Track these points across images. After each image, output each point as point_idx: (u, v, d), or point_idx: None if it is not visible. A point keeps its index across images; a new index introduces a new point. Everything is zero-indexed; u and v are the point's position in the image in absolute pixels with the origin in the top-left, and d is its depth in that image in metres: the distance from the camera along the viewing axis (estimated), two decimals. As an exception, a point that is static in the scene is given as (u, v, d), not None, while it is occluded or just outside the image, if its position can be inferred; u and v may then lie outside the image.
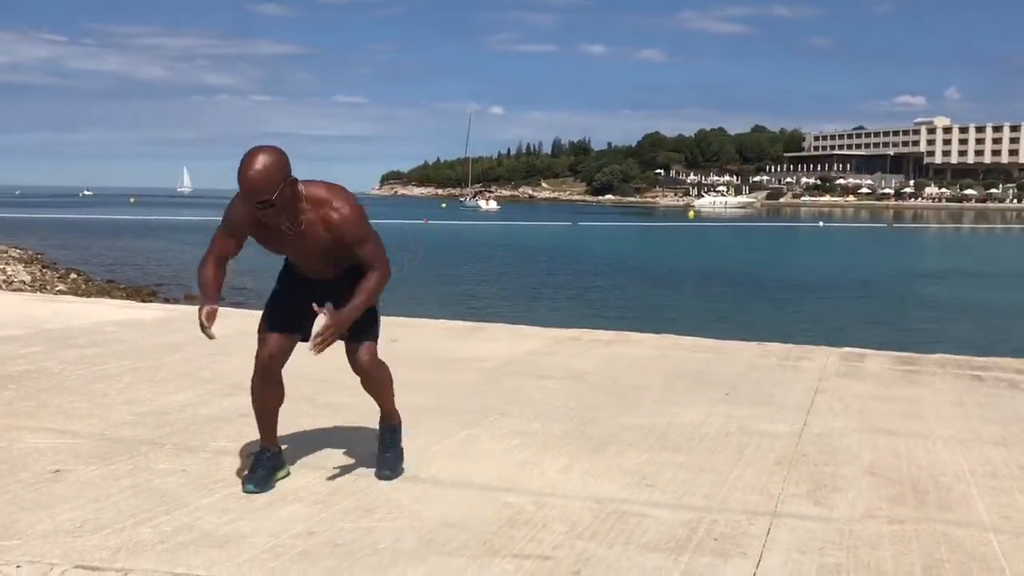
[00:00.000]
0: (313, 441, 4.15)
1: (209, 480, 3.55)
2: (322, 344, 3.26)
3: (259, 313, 3.58)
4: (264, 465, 3.51)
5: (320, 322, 3.32)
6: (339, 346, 3.45)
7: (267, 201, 3.12)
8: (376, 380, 3.64)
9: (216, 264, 3.37)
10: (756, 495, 3.57)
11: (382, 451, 3.71)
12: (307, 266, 3.47)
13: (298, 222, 3.26)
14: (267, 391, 3.53)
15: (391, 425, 3.77)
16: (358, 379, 3.61)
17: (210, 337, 3.25)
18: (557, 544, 3.01)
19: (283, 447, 3.69)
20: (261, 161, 3.10)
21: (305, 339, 3.45)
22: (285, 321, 3.47)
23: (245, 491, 3.40)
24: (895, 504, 3.51)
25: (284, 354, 3.49)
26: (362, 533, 3.06)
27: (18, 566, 2.71)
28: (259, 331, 3.49)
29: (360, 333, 3.50)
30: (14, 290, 17.39)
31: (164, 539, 2.95)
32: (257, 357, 3.47)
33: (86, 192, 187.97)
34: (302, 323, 3.48)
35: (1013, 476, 3.91)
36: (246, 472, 3.51)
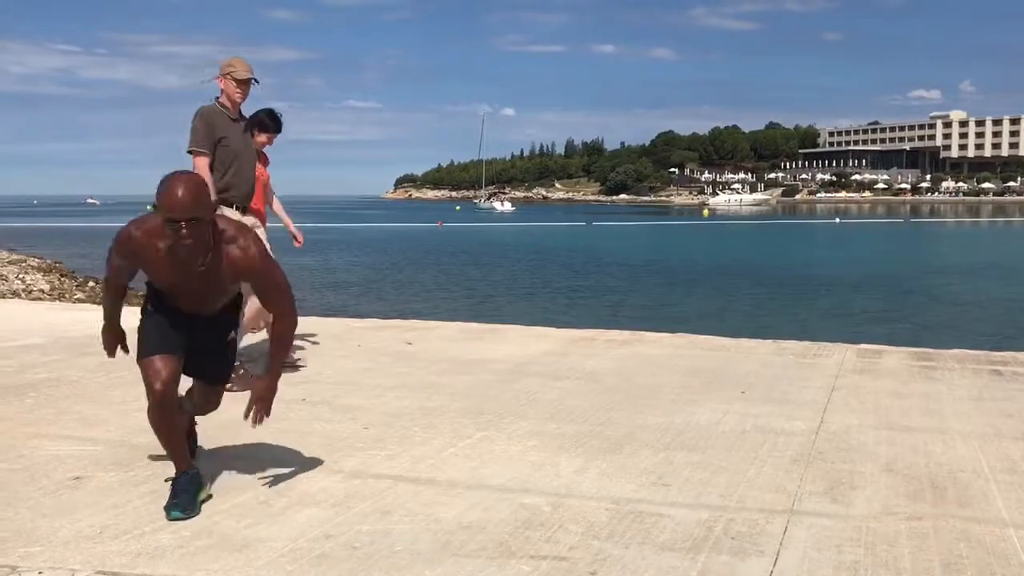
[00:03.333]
0: (330, 444, 4.17)
1: (227, 485, 3.58)
2: (262, 413, 3.39)
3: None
4: (186, 489, 3.27)
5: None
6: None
7: (198, 219, 3.04)
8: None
9: (117, 298, 3.52)
10: (773, 493, 3.56)
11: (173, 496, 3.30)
12: (192, 303, 3.34)
13: (207, 253, 3.14)
14: (171, 421, 3.34)
15: (186, 472, 3.39)
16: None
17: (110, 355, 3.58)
18: (574, 545, 3.01)
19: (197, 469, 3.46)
20: (191, 180, 3.10)
21: (185, 358, 3.37)
22: (167, 345, 3.29)
23: (170, 519, 3.16)
24: (913, 501, 3.50)
25: (177, 380, 3.32)
26: (379, 535, 3.07)
27: (40, 572, 2.74)
28: (142, 360, 3.27)
29: (224, 372, 3.61)
30: (33, 299, 17.54)
31: (183, 544, 2.97)
32: (151, 391, 3.24)
33: (90, 200, 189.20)
34: (183, 344, 3.34)
35: (1032, 471, 3.89)
36: (168, 498, 3.25)
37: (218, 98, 5.55)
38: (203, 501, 3.33)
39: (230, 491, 3.50)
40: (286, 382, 5.37)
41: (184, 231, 3.03)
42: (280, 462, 3.89)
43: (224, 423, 4.52)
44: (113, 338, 3.65)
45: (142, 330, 3.35)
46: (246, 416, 3.37)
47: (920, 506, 3.44)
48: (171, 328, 3.34)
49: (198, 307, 3.37)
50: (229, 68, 5.50)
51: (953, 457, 4.08)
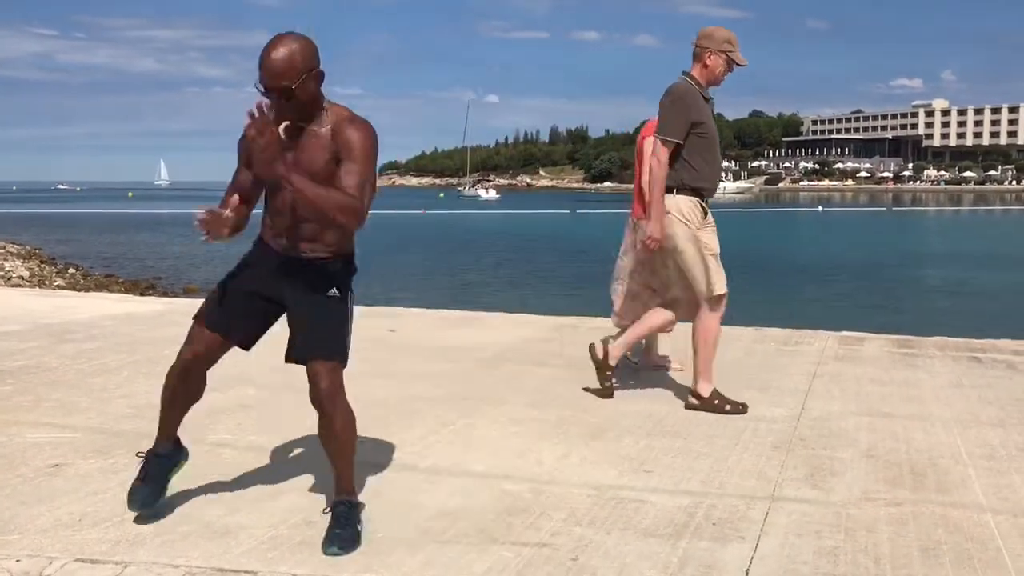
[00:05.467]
0: (312, 432, 4.13)
1: (208, 472, 3.55)
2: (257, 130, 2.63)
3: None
4: (155, 476, 3.05)
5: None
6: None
7: (287, 90, 2.70)
8: (336, 426, 2.93)
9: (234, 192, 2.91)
10: (754, 479, 3.57)
11: (333, 526, 2.89)
12: (286, 208, 2.86)
13: (306, 119, 2.79)
14: (177, 392, 3.07)
15: (348, 500, 2.98)
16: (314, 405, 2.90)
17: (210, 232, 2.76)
18: (555, 531, 3.01)
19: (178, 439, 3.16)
20: (286, 44, 2.71)
21: (244, 343, 3.05)
22: (227, 318, 2.98)
23: (130, 509, 2.98)
24: (893, 487, 3.52)
25: (213, 359, 3.04)
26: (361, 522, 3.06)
27: (17, 560, 2.72)
28: (194, 317, 3.03)
29: (321, 338, 2.89)
30: (12, 286, 17.38)
31: (163, 531, 2.96)
32: (180, 354, 3.01)
33: (61, 185, 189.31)
34: (246, 323, 3.01)
35: (1011, 457, 3.92)
36: (134, 481, 3.04)
37: (687, 73, 4.71)
38: (173, 475, 3.14)
39: (211, 478, 3.48)
40: (268, 369, 5.35)
41: (274, 102, 2.71)
42: (261, 449, 3.88)
43: (205, 410, 4.49)
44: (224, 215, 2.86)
45: (215, 289, 3.04)
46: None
47: (899, 492, 3.46)
48: (245, 291, 2.98)
49: (295, 222, 2.86)
50: (729, 47, 4.65)
51: (933, 443, 4.11)
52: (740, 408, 4.61)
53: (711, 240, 4.69)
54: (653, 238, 4.59)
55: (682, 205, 4.61)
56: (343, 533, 2.87)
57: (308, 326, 2.92)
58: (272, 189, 2.92)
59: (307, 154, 2.82)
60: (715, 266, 4.69)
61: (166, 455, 3.14)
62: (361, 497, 3.30)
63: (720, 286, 4.70)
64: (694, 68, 4.72)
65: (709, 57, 4.65)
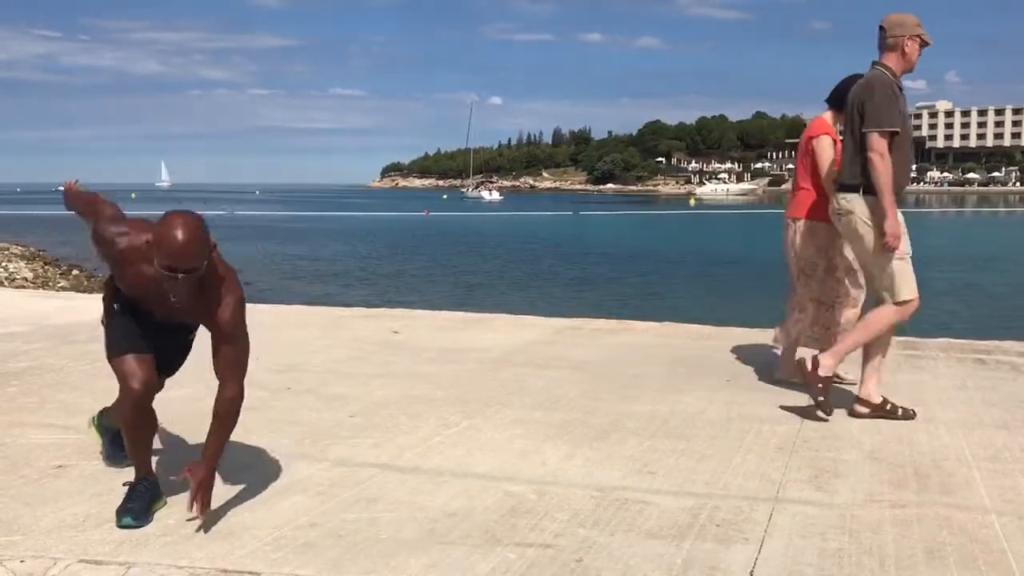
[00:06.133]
0: (316, 433, 4.15)
1: (212, 473, 3.56)
2: (206, 506, 3.03)
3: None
4: (142, 496, 3.12)
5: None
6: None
7: (196, 270, 2.89)
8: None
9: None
10: (757, 481, 3.57)
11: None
12: (161, 317, 3.19)
13: (192, 292, 2.97)
14: (146, 421, 3.20)
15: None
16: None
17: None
18: (559, 532, 3.01)
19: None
20: (189, 228, 2.87)
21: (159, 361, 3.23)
22: (141, 343, 3.16)
23: (120, 526, 2.99)
24: (897, 488, 3.52)
25: (155, 381, 3.19)
26: (364, 524, 3.06)
27: (22, 560, 2.73)
28: (115, 359, 3.16)
29: (180, 363, 3.38)
30: (16, 287, 17.41)
31: (167, 532, 2.96)
32: (128, 391, 3.10)
33: (61, 188, 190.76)
34: (152, 341, 3.20)
35: (1015, 459, 3.91)
36: (122, 503, 3.08)
37: (880, 63, 4.52)
38: (156, 511, 3.14)
39: (215, 479, 3.48)
40: (271, 370, 5.36)
41: (179, 279, 2.87)
42: (265, 450, 3.88)
43: (209, 411, 4.49)
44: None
45: (112, 328, 3.22)
46: (190, 508, 3.03)
47: (904, 494, 3.46)
48: (141, 324, 3.20)
49: (167, 318, 3.21)
50: (920, 29, 4.51)
51: (937, 445, 4.10)
52: (909, 414, 4.51)
53: (901, 243, 4.45)
54: (892, 235, 4.38)
55: (868, 207, 4.46)
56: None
57: (176, 356, 3.38)
58: (153, 309, 3.17)
59: (202, 304, 3.04)
60: (902, 270, 4.47)
61: (154, 482, 3.22)
62: (364, 498, 3.31)
63: (906, 292, 4.47)
64: (888, 58, 4.53)
65: (907, 44, 4.50)
